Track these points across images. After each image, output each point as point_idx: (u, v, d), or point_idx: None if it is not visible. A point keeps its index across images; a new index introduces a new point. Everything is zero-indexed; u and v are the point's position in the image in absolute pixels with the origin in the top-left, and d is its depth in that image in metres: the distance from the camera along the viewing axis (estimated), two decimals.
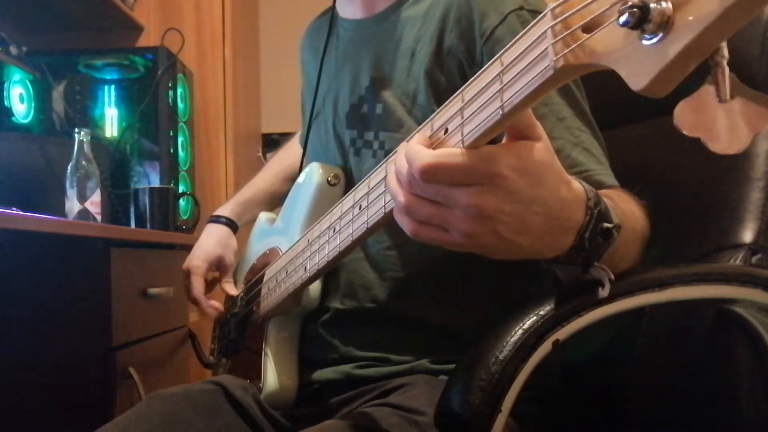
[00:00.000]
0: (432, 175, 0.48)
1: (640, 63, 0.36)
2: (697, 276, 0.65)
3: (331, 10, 0.99)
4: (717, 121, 0.37)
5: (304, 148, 1.01)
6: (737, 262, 0.75)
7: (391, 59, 0.86)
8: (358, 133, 0.88)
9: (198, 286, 1.05)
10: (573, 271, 0.58)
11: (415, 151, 0.49)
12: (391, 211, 0.59)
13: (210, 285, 1.09)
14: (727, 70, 0.36)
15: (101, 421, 0.79)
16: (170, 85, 2.07)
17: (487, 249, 0.52)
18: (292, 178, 1.11)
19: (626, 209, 0.64)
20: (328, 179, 0.89)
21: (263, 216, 1.10)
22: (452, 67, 0.79)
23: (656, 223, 0.69)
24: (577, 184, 0.55)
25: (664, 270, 0.66)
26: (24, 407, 1.28)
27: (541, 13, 0.77)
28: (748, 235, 0.76)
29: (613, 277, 0.57)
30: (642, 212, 0.67)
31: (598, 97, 0.78)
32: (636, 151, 0.93)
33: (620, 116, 0.93)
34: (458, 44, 0.79)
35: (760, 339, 0.66)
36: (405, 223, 0.53)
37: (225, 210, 1.13)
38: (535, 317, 0.61)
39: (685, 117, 0.38)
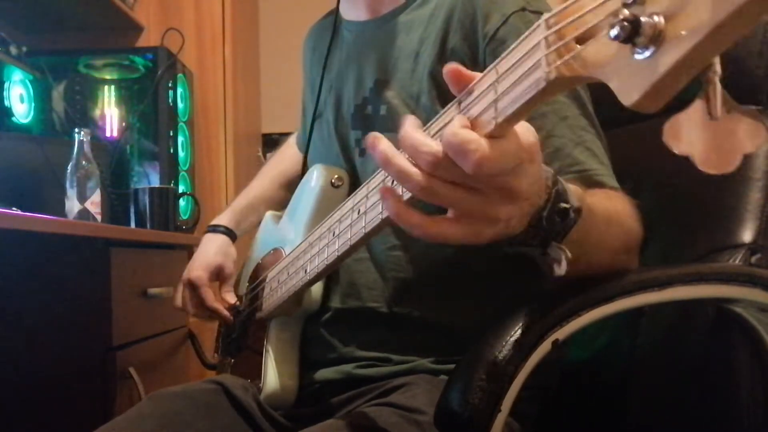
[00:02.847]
0: (487, 167, 0.46)
1: (631, 77, 0.35)
2: (697, 276, 0.65)
3: (335, 13, 0.99)
4: (708, 139, 0.36)
5: (306, 148, 1.01)
6: (737, 262, 0.75)
7: (394, 61, 0.86)
8: (362, 134, 0.88)
9: (210, 295, 1.05)
10: (531, 251, 0.58)
11: (466, 139, 0.45)
12: (389, 217, 0.59)
13: None
14: (719, 86, 0.35)
15: (101, 421, 0.79)
16: (170, 85, 2.07)
17: (500, 235, 0.52)
18: (288, 183, 1.11)
19: (609, 206, 0.65)
20: (331, 181, 0.88)
21: (269, 215, 1.10)
22: None
23: (656, 223, 0.69)
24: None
25: (664, 270, 0.66)
26: (24, 407, 1.28)
27: (543, 14, 0.78)
28: (747, 235, 0.77)
29: (570, 255, 0.56)
30: (635, 213, 0.68)
31: (598, 95, 0.78)
32: (636, 151, 0.93)
33: (620, 115, 0.92)
34: (462, 46, 0.79)
35: (760, 339, 0.66)
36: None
37: (222, 219, 1.13)
38: (534, 317, 0.61)
39: (674, 134, 0.37)
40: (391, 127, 0.84)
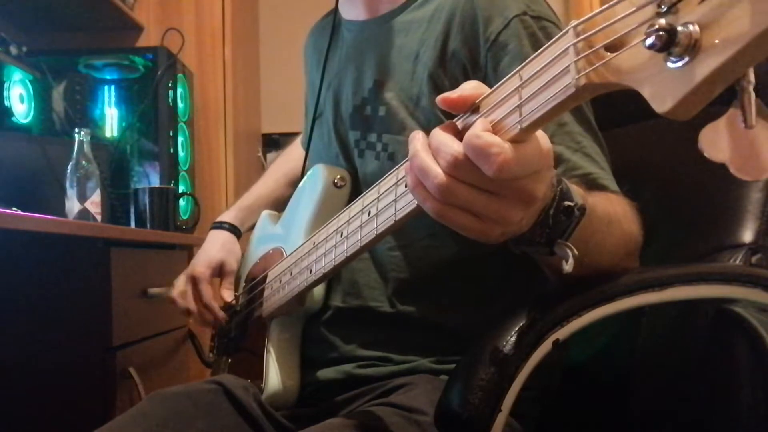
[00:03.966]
0: (509, 172, 0.46)
1: (665, 86, 0.36)
2: (697, 276, 0.65)
3: (335, 12, 0.99)
4: (742, 146, 0.37)
5: (307, 148, 1.01)
6: (737, 262, 0.75)
7: (394, 62, 0.86)
8: (361, 135, 0.88)
9: (207, 292, 1.05)
10: (537, 250, 0.59)
11: (489, 142, 0.46)
12: (402, 219, 0.59)
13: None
14: (753, 95, 0.35)
15: (101, 421, 0.79)
16: (170, 85, 2.07)
17: (509, 234, 0.53)
18: (294, 183, 1.11)
19: (610, 208, 0.65)
20: (334, 181, 0.88)
21: (266, 214, 1.10)
22: (456, 71, 0.79)
23: (656, 223, 0.69)
24: None
25: (664, 270, 0.66)
26: (24, 407, 1.28)
27: (545, 18, 0.78)
28: (748, 235, 0.77)
29: (576, 252, 0.57)
30: (635, 216, 0.68)
31: (598, 97, 0.78)
32: (636, 151, 0.93)
33: (621, 116, 0.93)
34: (462, 48, 0.79)
35: (760, 339, 0.66)
36: (430, 205, 0.51)
37: (228, 216, 1.13)
38: (535, 317, 0.62)
39: (709, 141, 0.37)
40: (390, 129, 0.84)
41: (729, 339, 0.69)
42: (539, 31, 0.76)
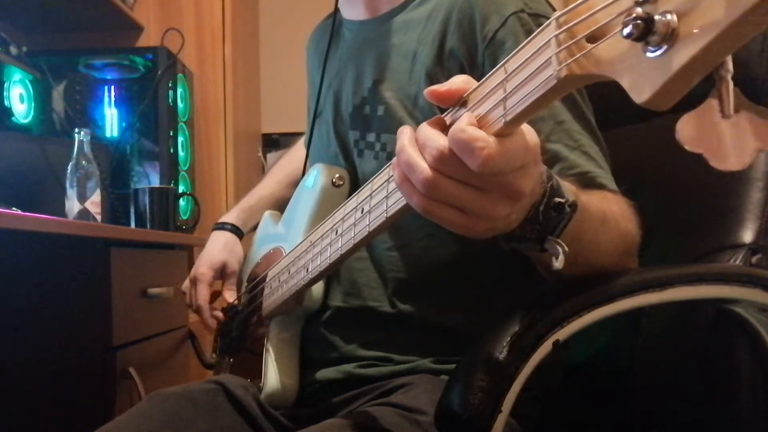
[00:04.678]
0: (494, 166, 0.46)
1: (643, 75, 0.35)
2: (697, 276, 0.65)
3: (335, 12, 0.99)
4: (720, 136, 0.36)
5: (308, 148, 1.01)
6: (737, 262, 0.75)
7: (392, 61, 0.86)
8: (360, 134, 0.88)
9: (202, 294, 1.05)
10: (528, 247, 0.59)
11: (474, 136, 0.45)
12: (393, 215, 0.59)
13: (214, 295, 1.09)
14: (731, 84, 0.35)
15: (101, 421, 0.79)
16: (170, 85, 2.07)
17: (497, 230, 0.53)
18: (296, 183, 1.12)
19: (605, 207, 0.65)
20: (332, 180, 0.88)
21: (268, 214, 1.10)
22: (453, 69, 0.79)
23: (656, 223, 0.69)
24: None
25: (664, 270, 0.66)
26: (24, 407, 1.28)
27: (542, 15, 0.78)
28: (748, 235, 0.77)
29: (567, 249, 0.56)
30: (632, 215, 0.68)
31: (598, 96, 0.78)
32: (635, 151, 0.93)
33: (621, 116, 0.93)
34: (460, 47, 0.79)
35: (760, 339, 0.66)
36: (416, 200, 0.51)
37: (230, 217, 1.13)
38: (535, 317, 0.62)
39: (687, 132, 0.37)
40: (388, 128, 0.85)
41: (729, 339, 0.69)
42: (537, 28, 0.76)
